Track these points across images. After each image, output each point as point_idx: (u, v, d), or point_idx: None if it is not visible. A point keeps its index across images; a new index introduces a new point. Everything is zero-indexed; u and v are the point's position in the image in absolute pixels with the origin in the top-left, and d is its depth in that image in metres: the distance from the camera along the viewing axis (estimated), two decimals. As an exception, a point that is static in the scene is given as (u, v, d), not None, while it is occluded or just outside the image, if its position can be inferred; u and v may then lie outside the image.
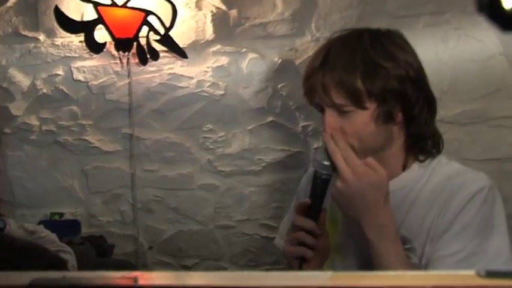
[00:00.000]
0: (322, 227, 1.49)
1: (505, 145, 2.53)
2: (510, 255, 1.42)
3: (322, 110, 1.50)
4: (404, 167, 1.54)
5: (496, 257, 1.40)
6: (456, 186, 1.45)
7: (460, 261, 1.39)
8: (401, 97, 1.46)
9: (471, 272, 0.68)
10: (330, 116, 1.47)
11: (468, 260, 1.38)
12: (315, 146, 2.66)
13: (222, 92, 2.75)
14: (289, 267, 1.53)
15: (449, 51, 2.55)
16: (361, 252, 1.52)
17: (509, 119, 2.52)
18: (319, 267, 1.54)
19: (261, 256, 2.75)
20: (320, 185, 1.47)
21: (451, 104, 2.54)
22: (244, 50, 2.74)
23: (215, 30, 2.75)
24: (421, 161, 1.53)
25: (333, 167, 1.43)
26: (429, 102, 1.53)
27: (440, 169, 1.52)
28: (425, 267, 1.43)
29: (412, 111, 1.48)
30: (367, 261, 1.49)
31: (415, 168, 1.53)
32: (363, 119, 1.45)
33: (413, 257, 1.45)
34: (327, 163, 1.45)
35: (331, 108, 1.46)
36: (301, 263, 1.48)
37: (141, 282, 0.66)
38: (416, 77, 1.49)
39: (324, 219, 1.51)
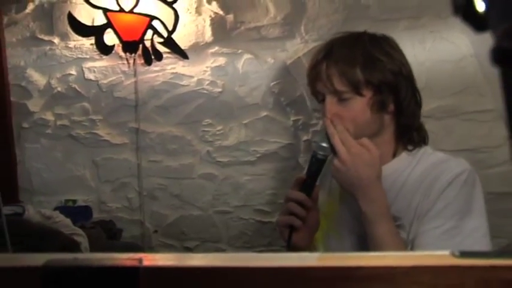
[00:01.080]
0: (314, 201, 1.52)
1: (476, 137, 2.54)
2: (486, 231, 1.45)
3: (322, 100, 1.53)
4: (394, 155, 1.57)
5: (474, 231, 1.43)
6: (439, 171, 1.49)
7: (442, 234, 1.41)
8: (394, 89, 1.50)
9: (446, 253, 0.67)
10: (330, 103, 1.51)
11: (448, 233, 1.41)
12: (305, 138, 2.66)
13: (220, 90, 2.75)
14: (281, 236, 1.55)
15: (425, 52, 2.55)
16: (355, 231, 1.54)
17: (479, 114, 2.53)
18: (308, 238, 1.56)
19: (255, 238, 2.75)
20: (315, 163, 1.51)
21: (427, 100, 2.52)
22: (240, 51, 2.73)
23: (213, 33, 2.74)
24: (409, 150, 1.56)
25: (332, 149, 1.47)
26: (416, 97, 1.57)
27: (427, 158, 1.55)
28: (413, 241, 1.45)
29: (402, 103, 1.52)
30: (360, 238, 1.51)
31: (404, 156, 1.57)
32: (360, 106, 1.50)
33: (402, 233, 1.47)
34: (324, 145, 1.49)
35: (332, 95, 1.51)
36: (291, 232, 1.50)
37: (145, 263, 0.65)
38: (407, 75, 1.54)
39: (317, 194, 1.54)
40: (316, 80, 1.55)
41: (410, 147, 1.58)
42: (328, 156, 1.51)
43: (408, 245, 1.46)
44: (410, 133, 1.58)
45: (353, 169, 1.42)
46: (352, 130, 1.47)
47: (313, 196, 1.52)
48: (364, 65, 1.49)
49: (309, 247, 1.58)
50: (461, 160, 1.55)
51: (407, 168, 1.55)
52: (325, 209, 1.64)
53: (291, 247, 1.53)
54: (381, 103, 1.51)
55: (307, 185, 1.51)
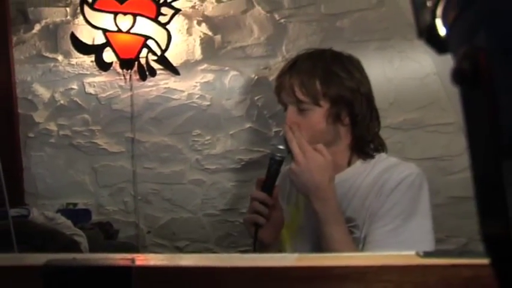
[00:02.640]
0: (275, 199, 1.51)
1: (439, 147, 2.55)
2: (430, 229, 1.44)
3: (285, 108, 1.53)
4: (349, 163, 1.55)
5: (418, 230, 1.42)
6: (389, 174, 1.48)
7: (389, 232, 1.41)
8: (349, 104, 1.49)
9: (412, 253, 0.68)
10: (291, 112, 1.51)
11: (395, 231, 1.40)
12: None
13: (208, 103, 2.74)
14: (249, 233, 1.54)
15: (394, 70, 2.57)
16: (316, 234, 1.52)
17: (442, 126, 2.55)
18: (274, 234, 1.55)
19: (240, 239, 2.74)
20: (274, 164, 1.50)
21: (395, 113, 2.55)
22: (226, 68, 2.73)
23: (203, 52, 2.74)
24: (364, 160, 1.55)
25: (289, 152, 1.47)
26: (372, 114, 1.55)
27: (380, 163, 1.54)
28: (364, 238, 1.45)
29: (356, 118, 1.51)
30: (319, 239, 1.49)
31: (358, 164, 1.55)
32: (317, 117, 1.49)
33: (357, 232, 1.46)
34: (281, 147, 1.49)
35: (293, 104, 1.51)
36: (257, 229, 1.50)
37: (138, 262, 0.65)
38: (365, 92, 1.53)
39: (277, 193, 1.53)
40: (281, 89, 1.55)
41: (363, 157, 1.57)
42: (285, 157, 1.51)
43: (361, 242, 1.46)
44: (364, 145, 1.56)
45: (307, 171, 1.41)
46: (308, 138, 1.46)
47: (274, 195, 1.52)
48: (323, 78, 1.49)
49: (275, 243, 1.58)
50: (410, 164, 1.54)
51: (362, 173, 1.53)
52: (292, 218, 1.64)
53: (258, 243, 1.52)
54: (336, 115, 1.50)
55: (268, 184, 1.51)
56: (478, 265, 0.64)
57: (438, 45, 0.37)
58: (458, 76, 0.32)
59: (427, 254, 0.66)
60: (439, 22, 0.36)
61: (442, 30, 0.36)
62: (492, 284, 0.33)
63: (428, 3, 0.37)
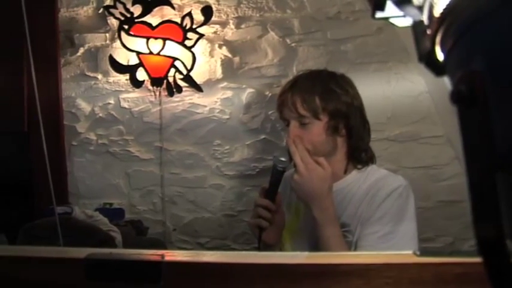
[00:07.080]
0: (277, 205, 1.48)
1: (430, 157, 2.54)
2: (414, 235, 1.41)
3: (287, 124, 1.51)
4: (346, 172, 1.53)
5: (404, 235, 1.39)
6: (380, 185, 1.45)
7: (379, 238, 1.38)
8: (345, 116, 1.48)
9: (409, 252, 0.67)
10: (294, 127, 1.49)
11: (385, 237, 1.38)
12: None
13: (227, 117, 2.75)
14: (254, 235, 1.52)
15: (391, 89, 2.56)
16: (313, 236, 1.49)
17: (432, 138, 2.54)
18: (275, 236, 1.53)
19: (254, 237, 2.72)
20: (276, 174, 1.47)
21: (393, 127, 2.54)
22: (244, 86, 2.74)
23: (223, 72, 2.75)
24: (359, 169, 1.53)
25: (291, 162, 1.44)
26: (364, 125, 1.54)
27: (373, 174, 1.51)
28: (356, 242, 1.42)
29: (352, 129, 1.49)
30: (316, 242, 1.47)
31: (354, 173, 1.53)
32: (317, 129, 1.47)
33: (350, 236, 1.43)
34: (283, 159, 1.46)
35: (295, 119, 1.48)
36: (260, 232, 1.47)
37: (167, 258, 0.65)
38: (358, 106, 1.51)
39: (280, 200, 1.50)
40: (283, 106, 1.52)
41: (359, 166, 1.54)
42: (286, 168, 1.48)
43: (353, 245, 1.43)
44: (359, 154, 1.54)
45: (309, 182, 1.38)
46: (310, 149, 1.44)
47: (277, 201, 1.49)
48: (322, 95, 1.47)
49: (277, 243, 1.55)
50: (399, 177, 1.51)
51: (357, 183, 1.50)
52: (292, 222, 1.62)
53: (262, 244, 1.50)
54: (334, 127, 1.48)
55: (270, 192, 1.48)
56: (468, 263, 0.63)
57: (436, 69, 0.37)
58: (456, 97, 0.31)
59: (423, 253, 0.65)
60: (437, 48, 0.36)
61: (440, 56, 0.36)
62: (480, 279, 0.33)
63: (428, 31, 0.37)
